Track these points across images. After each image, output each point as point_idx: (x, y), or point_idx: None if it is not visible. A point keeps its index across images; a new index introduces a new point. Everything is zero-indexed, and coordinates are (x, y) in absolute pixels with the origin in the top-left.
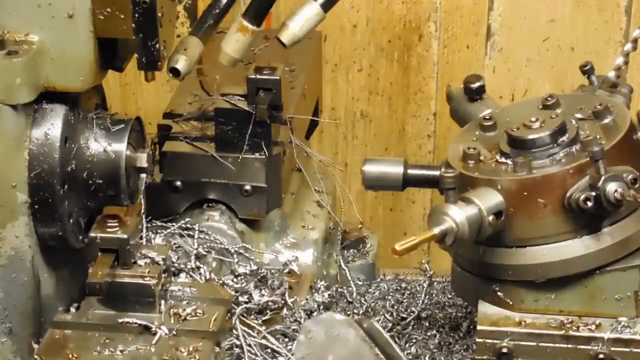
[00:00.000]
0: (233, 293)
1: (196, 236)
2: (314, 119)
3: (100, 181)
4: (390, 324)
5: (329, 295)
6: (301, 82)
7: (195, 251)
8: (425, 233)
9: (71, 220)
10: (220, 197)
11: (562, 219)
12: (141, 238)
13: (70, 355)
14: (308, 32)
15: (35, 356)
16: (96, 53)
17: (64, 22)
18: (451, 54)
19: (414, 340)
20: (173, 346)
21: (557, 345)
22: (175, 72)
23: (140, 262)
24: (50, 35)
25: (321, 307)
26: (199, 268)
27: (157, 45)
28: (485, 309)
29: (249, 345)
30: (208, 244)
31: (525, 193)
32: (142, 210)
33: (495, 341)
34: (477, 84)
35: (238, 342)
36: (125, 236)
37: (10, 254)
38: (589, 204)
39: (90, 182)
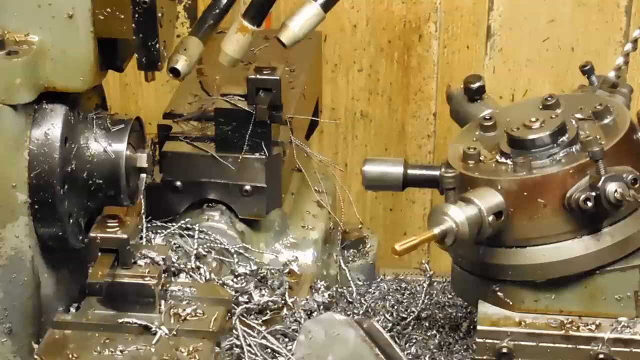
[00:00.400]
0: (233, 293)
1: (196, 236)
2: (314, 119)
3: (100, 181)
4: (390, 324)
5: (329, 295)
6: (301, 82)
7: (195, 251)
8: (425, 233)
9: (71, 221)
10: (220, 197)
11: (562, 219)
12: (141, 238)
13: (70, 355)
14: (308, 32)
15: (35, 356)
16: (96, 53)
17: (64, 22)
18: (451, 54)
19: (414, 340)
20: (173, 346)
21: (557, 345)
22: (175, 72)
23: (140, 262)
24: (50, 35)
25: (321, 307)
26: (199, 268)
27: (157, 45)
28: (485, 309)
29: (249, 345)
30: (208, 244)
31: (525, 193)
32: (142, 210)
33: (495, 341)
34: (477, 84)
35: (238, 342)
36: (125, 236)
37: (10, 254)
38: (589, 204)
39: (90, 182)
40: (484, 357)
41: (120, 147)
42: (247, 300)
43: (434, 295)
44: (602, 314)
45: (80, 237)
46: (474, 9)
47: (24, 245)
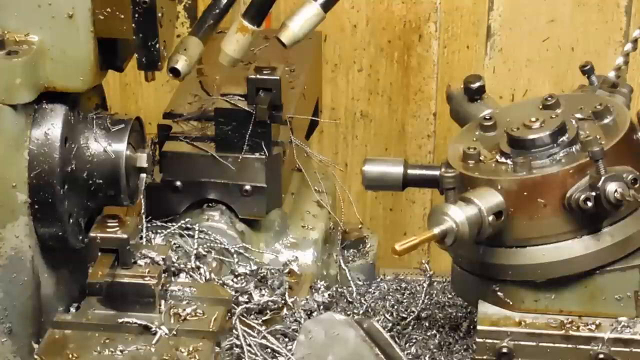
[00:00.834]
0: (233, 293)
1: (196, 236)
2: (314, 119)
3: (100, 181)
4: (390, 324)
5: (329, 295)
6: (301, 82)
7: (195, 251)
8: (425, 233)
9: (71, 220)
10: (220, 197)
11: (562, 219)
12: (141, 238)
13: (70, 355)
14: (308, 32)
15: (35, 356)
16: (96, 53)
17: (64, 22)
18: (451, 54)
19: (414, 340)
20: (173, 346)
21: (557, 345)
22: (175, 72)
23: (140, 262)
24: (50, 35)
25: (321, 307)
26: (199, 268)
27: (157, 45)
28: (485, 309)
29: (249, 345)
30: (208, 244)
31: (525, 193)
32: (142, 210)
33: (495, 341)
34: (477, 84)
35: (238, 342)
36: (125, 236)
37: (10, 254)
38: (589, 204)
39: (90, 182)
40: (484, 357)
41: (120, 147)
42: (247, 300)
43: (434, 295)
44: (602, 314)
45: (80, 237)
46: (474, 9)
47: (24, 245)
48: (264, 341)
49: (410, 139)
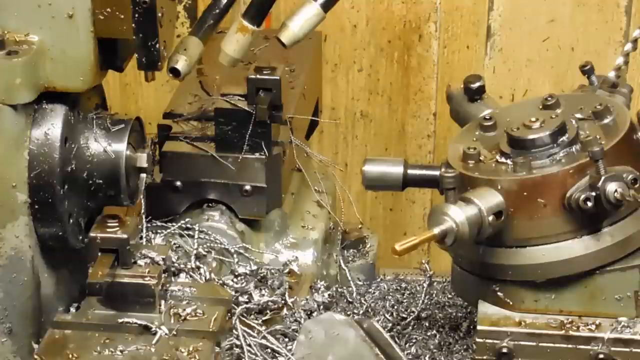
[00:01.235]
0: (233, 293)
1: (196, 236)
2: (314, 119)
3: (100, 181)
4: (390, 324)
5: (329, 295)
6: (301, 82)
7: (195, 251)
8: (425, 233)
9: (71, 220)
10: (220, 197)
11: (562, 219)
12: (141, 238)
13: (70, 355)
14: (308, 32)
15: (35, 356)
16: (96, 53)
17: (64, 22)
18: (451, 54)
19: (414, 340)
20: (173, 346)
21: (557, 345)
22: (175, 72)
23: (140, 262)
24: (50, 35)
25: (321, 307)
26: (199, 268)
27: (157, 45)
28: (485, 309)
29: (249, 345)
30: (208, 244)
31: (525, 193)
32: (142, 210)
33: (495, 341)
34: (477, 84)
35: (238, 342)
36: (125, 236)
37: (10, 254)
38: (589, 204)
39: (90, 182)
40: (484, 357)
41: (120, 147)
42: (247, 300)
43: (434, 295)
44: (602, 314)
45: (80, 237)
46: (474, 9)
47: (24, 245)
48: (264, 341)
49: (410, 139)
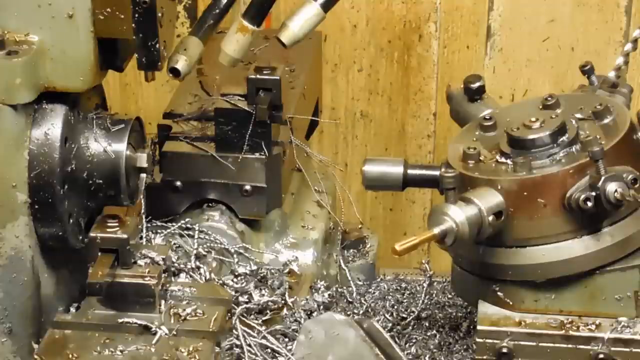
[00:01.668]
0: (233, 293)
1: (196, 236)
2: (314, 119)
3: (100, 181)
4: (390, 324)
5: (329, 295)
6: (301, 82)
7: (195, 251)
8: (425, 233)
9: (71, 220)
10: (220, 197)
11: (562, 219)
12: (141, 238)
13: (70, 355)
14: (308, 32)
15: (35, 356)
16: (96, 53)
17: (64, 22)
18: (451, 54)
19: (414, 340)
20: (173, 346)
21: (557, 345)
22: (175, 72)
23: (140, 262)
24: (50, 35)
25: (321, 307)
26: (199, 268)
27: (157, 45)
28: (485, 309)
29: (249, 345)
30: (208, 244)
31: (525, 193)
32: (142, 210)
33: (495, 341)
34: (477, 84)
35: (238, 342)
36: (125, 236)
37: (10, 254)
38: (589, 204)
39: (90, 182)
40: (484, 357)
41: (120, 147)
42: (247, 300)
43: (434, 295)
44: (602, 314)
45: (80, 237)
46: (474, 9)
47: (24, 245)
48: (264, 341)
49: (410, 139)
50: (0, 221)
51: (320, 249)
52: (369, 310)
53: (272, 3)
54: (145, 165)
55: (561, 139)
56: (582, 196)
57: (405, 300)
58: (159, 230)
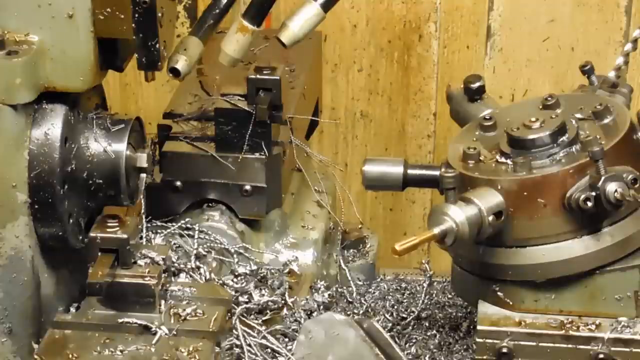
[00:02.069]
0: (233, 293)
1: (196, 236)
2: (314, 119)
3: (100, 181)
4: (390, 324)
5: (329, 295)
6: (301, 82)
7: (195, 251)
8: (425, 233)
9: (71, 220)
10: (220, 197)
11: (562, 219)
12: (141, 238)
13: (70, 355)
14: (308, 32)
15: (35, 356)
16: (96, 53)
17: (64, 22)
18: (451, 54)
19: (414, 340)
20: (173, 346)
21: (557, 345)
22: (175, 72)
23: (140, 262)
24: (50, 35)
25: (321, 307)
26: (199, 268)
27: (157, 45)
28: (485, 309)
29: (249, 345)
30: (208, 244)
31: (525, 193)
32: (142, 210)
33: (495, 341)
34: (477, 84)
35: (238, 342)
36: (125, 236)
37: (10, 254)
38: (589, 204)
39: (90, 182)
40: (484, 357)
41: (120, 147)
42: (247, 300)
43: (434, 295)
44: (602, 314)
45: (80, 237)
46: (474, 9)
47: (24, 245)
48: (264, 341)
49: (410, 139)
50: (0, 221)
51: (320, 249)
52: (369, 310)
53: (272, 3)
54: (145, 165)
55: (561, 139)
56: (582, 196)
57: (405, 300)
58: (159, 230)
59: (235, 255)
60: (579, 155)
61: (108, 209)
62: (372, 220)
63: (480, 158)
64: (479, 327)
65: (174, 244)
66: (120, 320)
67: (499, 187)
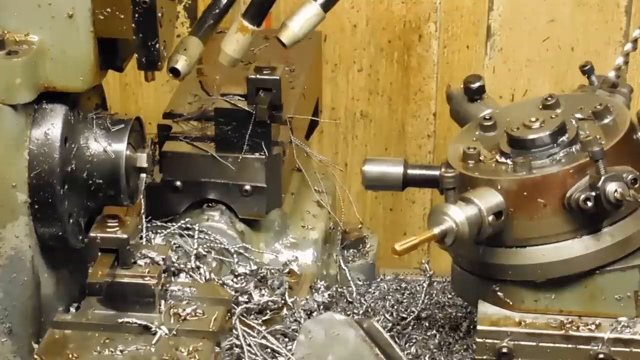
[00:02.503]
0: (233, 293)
1: (196, 236)
2: (314, 119)
3: (100, 181)
4: (390, 324)
5: (329, 295)
6: (301, 82)
7: (195, 251)
8: (425, 233)
9: (71, 220)
10: (220, 197)
11: (562, 219)
12: (141, 238)
13: (70, 355)
14: (308, 32)
15: (35, 356)
16: (96, 53)
17: (64, 22)
18: (451, 54)
19: (414, 340)
20: (173, 346)
21: (557, 345)
22: (175, 72)
23: (140, 262)
24: (50, 35)
25: (321, 307)
26: (199, 268)
27: (157, 45)
28: (485, 309)
29: (249, 345)
30: (208, 244)
31: (525, 193)
32: (142, 210)
33: (495, 341)
34: (477, 84)
35: (238, 342)
36: (125, 236)
37: (10, 254)
38: (589, 204)
39: (90, 182)
40: (484, 357)
41: (120, 147)
42: (247, 300)
43: (434, 295)
44: (602, 314)
45: (80, 237)
46: (474, 9)
47: (24, 245)
48: (264, 341)
49: (410, 139)
50: (0, 221)
51: (320, 249)
52: (369, 310)
53: (272, 3)
54: (145, 165)
55: (561, 139)
56: (582, 196)
57: (405, 300)
58: (159, 230)
59: (235, 255)
60: (579, 155)
61: (108, 209)
62: (372, 220)
63: (480, 158)
64: (479, 327)
65: (174, 244)
66: (120, 320)
67: (499, 187)
